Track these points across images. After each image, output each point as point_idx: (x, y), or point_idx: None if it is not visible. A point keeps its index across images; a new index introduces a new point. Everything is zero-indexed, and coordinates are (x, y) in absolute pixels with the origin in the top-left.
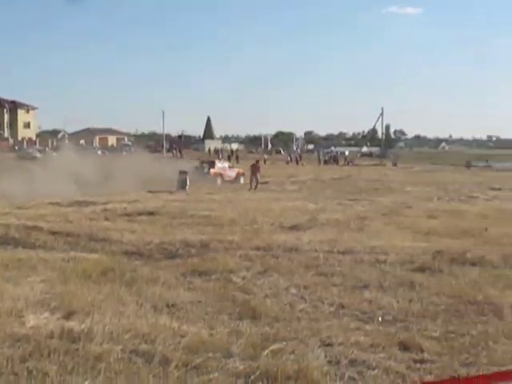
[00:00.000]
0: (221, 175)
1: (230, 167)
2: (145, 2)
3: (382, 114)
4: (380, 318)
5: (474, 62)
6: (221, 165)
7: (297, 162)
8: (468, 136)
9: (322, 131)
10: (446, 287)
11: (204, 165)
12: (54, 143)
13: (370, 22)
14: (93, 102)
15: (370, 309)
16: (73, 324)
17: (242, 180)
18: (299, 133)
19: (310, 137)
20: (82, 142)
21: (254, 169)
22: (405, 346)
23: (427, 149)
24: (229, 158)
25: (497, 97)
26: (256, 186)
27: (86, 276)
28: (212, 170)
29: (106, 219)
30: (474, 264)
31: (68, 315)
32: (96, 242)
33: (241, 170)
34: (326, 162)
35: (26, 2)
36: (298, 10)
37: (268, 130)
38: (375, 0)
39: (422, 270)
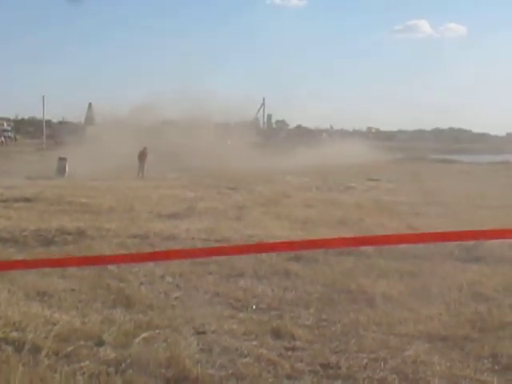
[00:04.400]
0: None
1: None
2: None
3: (263, 105)
4: (254, 306)
5: (357, 55)
6: None
7: None
8: (348, 127)
9: None
10: (320, 276)
11: None
12: None
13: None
14: None
15: (244, 297)
16: None
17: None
18: None
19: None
20: None
21: (142, 156)
22: (277, 334)
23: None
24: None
25: (378, 90)
26: (143, 174)
27: None
28: None
29: None
30: (348, 254)
31: None
32: None
33: None
34: None
35: None
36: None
37: None
38: None
39: (297, 259)
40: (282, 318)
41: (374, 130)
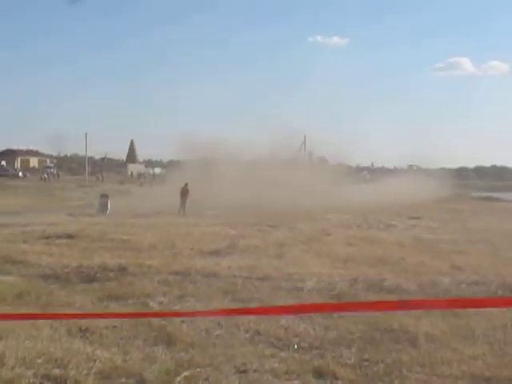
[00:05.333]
0: None
1: None
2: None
3: (304, 142)
4: (295, 345)
5: (397, 93)
6: None
7: None
8: (390, 165)
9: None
10: (362, 315)
11: None
12: None
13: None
14: (15, 122)
15: (285, 336)
16: None
17: None
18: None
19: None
20: (3, 163)
21: (184, 193)
22: (319, 374)
23: None
24: (151, 182)
25: (419, 128)
26: (185, 211)
27: (1, 299)
28: None
29: (25, 242)
30: (390, 292)
31: None
32: (12, 264)
33: None
34: None
35: None
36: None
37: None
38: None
39: (339, 297)
40: (324, 357)
41: (415, 168)
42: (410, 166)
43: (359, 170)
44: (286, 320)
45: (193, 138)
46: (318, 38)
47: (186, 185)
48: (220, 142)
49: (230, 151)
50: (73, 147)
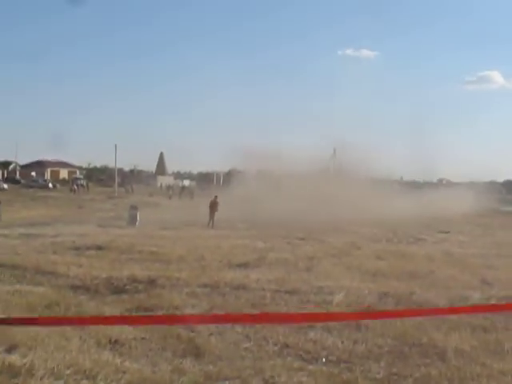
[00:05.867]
0: None
1: None
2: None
3: (334, 155)
4: (324, 359)
5: (427, 106)
6: None
7: None
8: (419, 179)
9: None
10: (391, 329)
11: None
12: (5, 175)
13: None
14: (45, 134)
15: (314, 349)
16: (14, 358)
17: None
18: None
19: (262, 175)
20: (33, 174)
21: (213, 205)
22: None
23: None
24: (180, 194)
25: (449, 141)
26: (213, 224)
27: (31, 309)
28: None
29: (54, 252)
30: (419, 306)
31: (10, 349)
32: (42, 275)
33: None
34: None
35: None
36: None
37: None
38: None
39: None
40: (352, 370)
41: (444, 182)
42: (440, 180)
43: (388, 183)
44: (314, 333)
45: (250, 149)
46: (348, 51)
47: (216, 197)
48: (277, 153)
49: (283, 163)
50: (102, 158)
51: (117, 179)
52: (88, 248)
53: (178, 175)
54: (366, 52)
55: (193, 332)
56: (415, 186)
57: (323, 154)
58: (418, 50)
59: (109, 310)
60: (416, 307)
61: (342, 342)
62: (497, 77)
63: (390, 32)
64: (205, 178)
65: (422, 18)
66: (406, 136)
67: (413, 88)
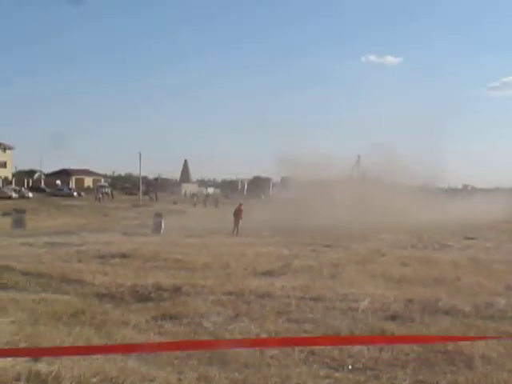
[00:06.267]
0: None
1: None
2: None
3: (358, 162)
4: (350, 366)
5: (451, 113)
6: None
7: None
8: (444, 185)
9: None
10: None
11: None
12: (30, 183)
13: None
14: (70, 142)
15: (340, 356)
16: (41, 366)
17: None
18: (276, 178)
19: (286, 182)
20: (58, 182)
21: (238, 213)
22: None
23: None
24: (204, 202)
25: (473, 148)
26: (238, 231)
27: (57, 318)
28: None
29: (79, 261)
30: (445, 313)
31: (36, 357)
32: (68, 283)
33: None
34: None
35: None
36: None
37: (246, 174)
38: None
39: (393, 318)
40: (379, 378)
41: (469, 188)
42: (465, 186)
43: (412, 189)
44: None
45: (294, 157)
46: (371, 57)
47: (240, 205)
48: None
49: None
50: (127, 167)
51: (141, 187)
52: (113, 256)
53: (203, 183)
54: (390, 58)
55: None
56: (440, 192)
57: (347, 161)
58: (441, 56)
59: (134, 318)
60: (442, 314)
61: (368, 349)
62: None
63: (414, 38)
64: (229, 186)
65: (445, 24)
66: (431, 142)
67: (436, 94)
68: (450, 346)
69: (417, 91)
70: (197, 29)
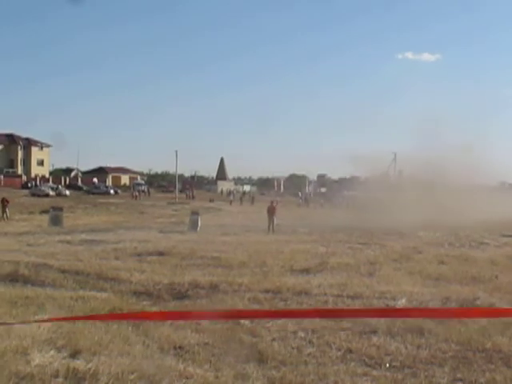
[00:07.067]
0: None
1: None
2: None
3: (394, 160)
4: (387, 364)
5: (489, 110)
6: None
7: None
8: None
9: (334, 175)
10: (454, 334)
11: None
12: (67, 181)
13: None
14: (107, 140)
15: (377, 354)
16: (79, 363)
17: None
18: (312, 176)
19: (322, 180)
20: (94, 180)
21: (271, 210)
22: None
23: None
24: (241, 200)
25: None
26: (273, 228)
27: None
28: None
29: (116, 258)
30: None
31: (74, 354)
32: (105, 281)
33: None
34: None
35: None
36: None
37: (281, 172)
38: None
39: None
40: (417, 376)
41: (507, 185)
42: (502, 183)
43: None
44: (377, 338)
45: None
46: (408, 54)
47: (273, 202)
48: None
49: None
50: (163, 165)
51: (177, 185)
52: (150, 254)
53: (239, 180)
54: (427, 55)
55: (255, 337)
56: (478, 189)
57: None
58: (479, 53)
59: None
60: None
61: (406, 347)
62: None
63: (452, 35)
64: (265, 184)
65: (482, 21)
66: (469, 139)
67: (474, 91)
68: (488, 343)
69: (454, 88)
70: (233, 31)
